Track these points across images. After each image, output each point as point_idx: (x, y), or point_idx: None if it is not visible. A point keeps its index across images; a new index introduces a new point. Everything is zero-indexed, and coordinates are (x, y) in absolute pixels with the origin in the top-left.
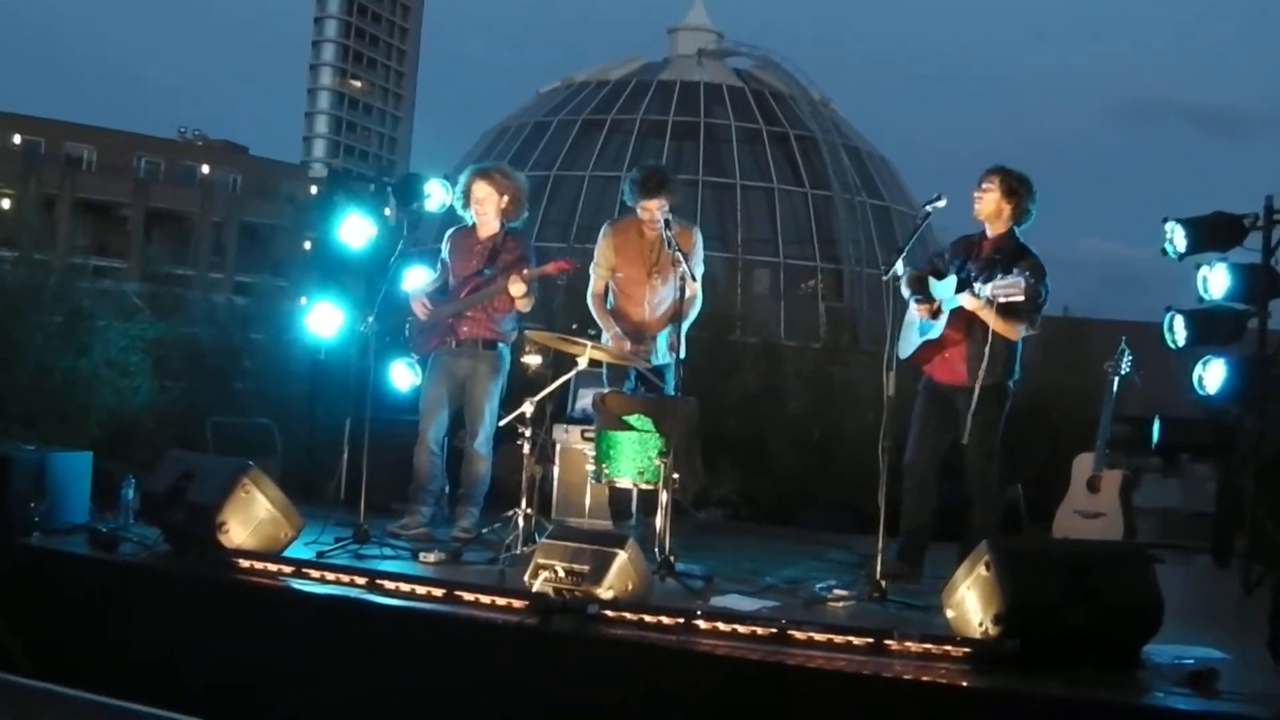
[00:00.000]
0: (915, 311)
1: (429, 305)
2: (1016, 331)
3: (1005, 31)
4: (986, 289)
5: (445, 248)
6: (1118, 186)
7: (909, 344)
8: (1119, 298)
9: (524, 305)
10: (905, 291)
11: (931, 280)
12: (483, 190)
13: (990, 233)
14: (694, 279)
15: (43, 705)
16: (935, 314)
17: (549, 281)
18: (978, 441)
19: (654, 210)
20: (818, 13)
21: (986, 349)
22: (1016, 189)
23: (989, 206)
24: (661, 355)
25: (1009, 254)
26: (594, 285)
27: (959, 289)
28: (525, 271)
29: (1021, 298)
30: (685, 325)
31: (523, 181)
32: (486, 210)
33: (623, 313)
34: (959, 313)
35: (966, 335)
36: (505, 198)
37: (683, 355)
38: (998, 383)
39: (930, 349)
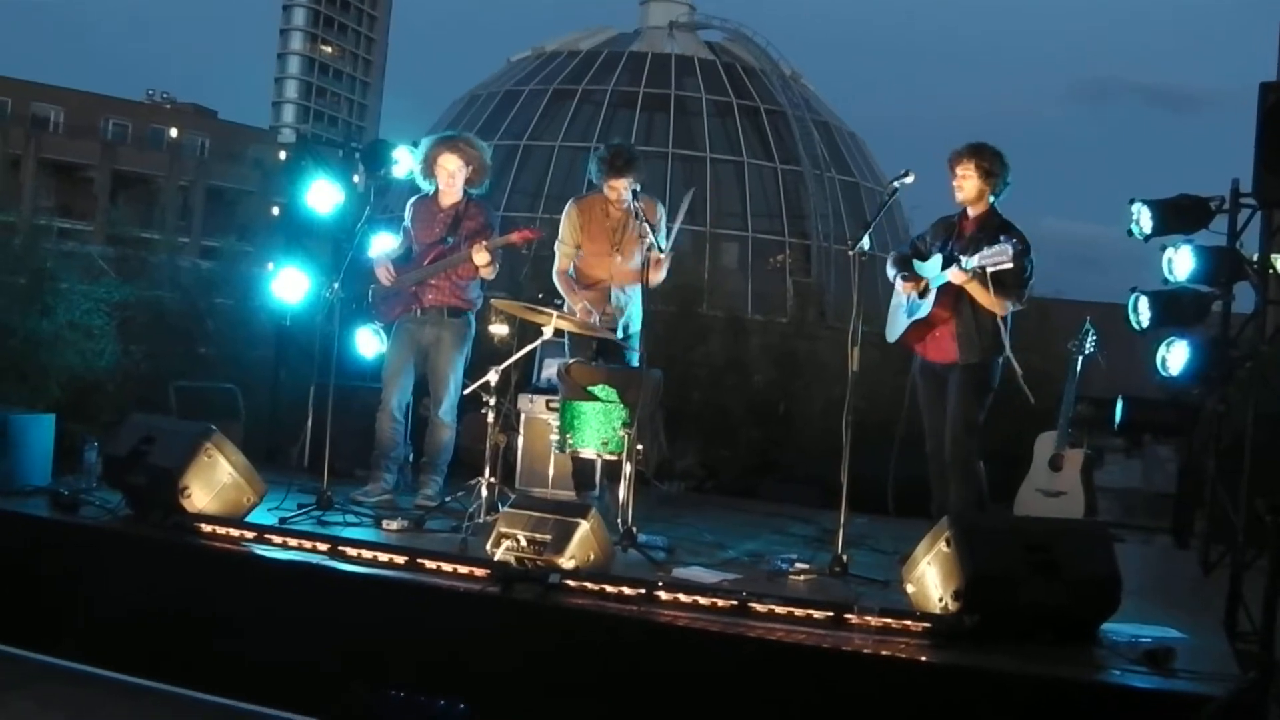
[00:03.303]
0: (901, 290)
1: (393, 271)
2: (1004, 306)
3: (966, 6)
4: (974, 260)
5: (408, 214)
6: (1079, 165)
7: (897, 326)
8: (1082, 277)
9: (488, 273)
10: (891, 271)
11: (916, 262)
12: (453, 163)
13: (972, 212)
14: (660, 250)
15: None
16: (923, 293)
17: (514, 251)
18: (961, 417)
19: (620, 189)
20: None
21: (975, 325)
22: (992, 168)
23: (971, 192)
24: (620, 331)
25: (993, 230)
26: (559, 263)
27: (944, 265)
28: (488, 241)
29: (1010, 265)
30: (654, 282)
31: (486, 150)
32: (454, 180)
33: (585, 284)
34: (946, 290)
35: (954, 313)
36: (471, 167)
37: (642, 322)
38: (985, 361)
39: (919, 329)
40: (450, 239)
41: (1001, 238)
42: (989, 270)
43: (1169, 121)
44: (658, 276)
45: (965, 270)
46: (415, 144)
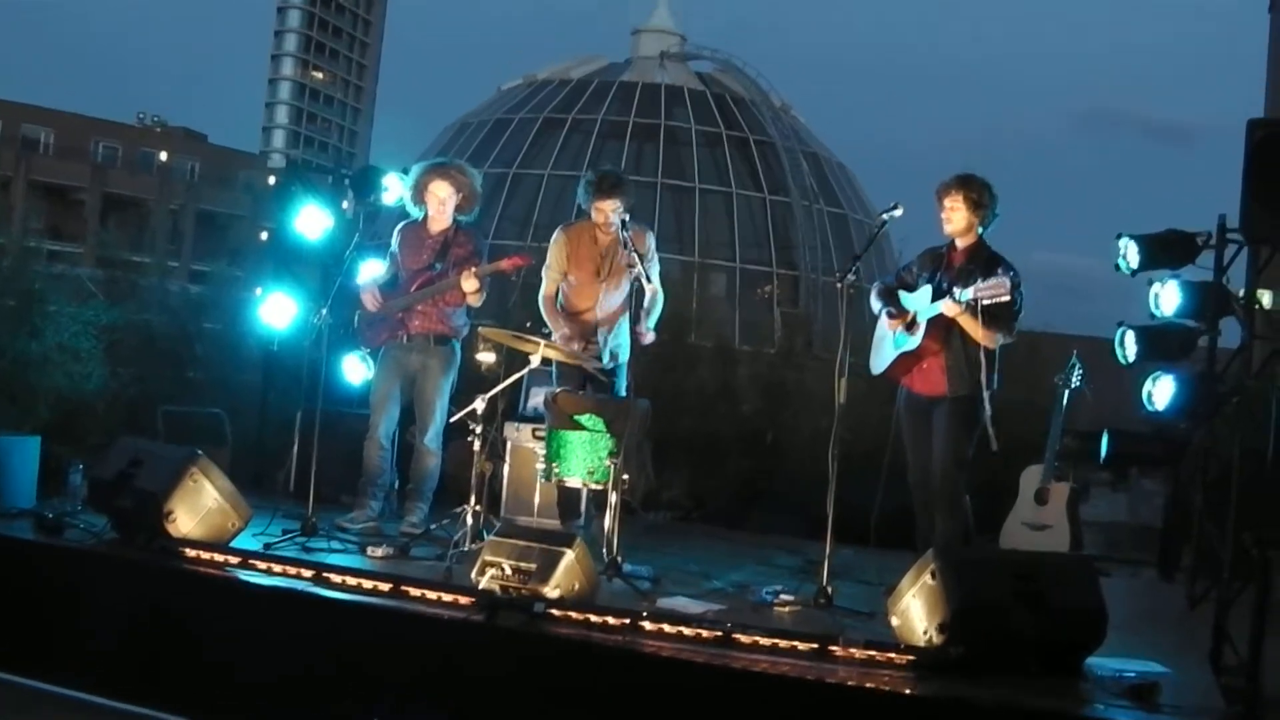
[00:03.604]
0: (887, 325)
1: (379, 297)
2: (995, 340)
3: (961, 38)
4: (969, 292)
5: (395, 241)
6: (1071, 198)
7: (883, 358)
8: (1070, 309)
9: (475, 300)
10: (876, 304)
11: (902, 293)
12: (444, 190)
13: (960, 244)
14: (649, 280)
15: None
16: (910, 326)
17: (503, 279)
18: (950, 451)
19: (607, 211)
20: (780, 18)
21: (965, 358)
22: (980, 199)
23: (960, 224)
24: (606, 359)
25: (982, 261)
26: (545, 288)
27: (935, 297)
28: (477, 268)
29: (1007, 298)
30: (651, 321)
31: (477, 177)
32: (445, 207)
33: (571, 312)
34: (936, 322)
35: (944, 345)
36: (461, 194)
37: (648, 341)
38: (974, 394)
39: (907, 361)
40: (438, 265)
41: (999, 270)
42: (983, 303)
43: (1161, 154)
44: (655, 309)
45: (959, 303)
46: (405, 170)
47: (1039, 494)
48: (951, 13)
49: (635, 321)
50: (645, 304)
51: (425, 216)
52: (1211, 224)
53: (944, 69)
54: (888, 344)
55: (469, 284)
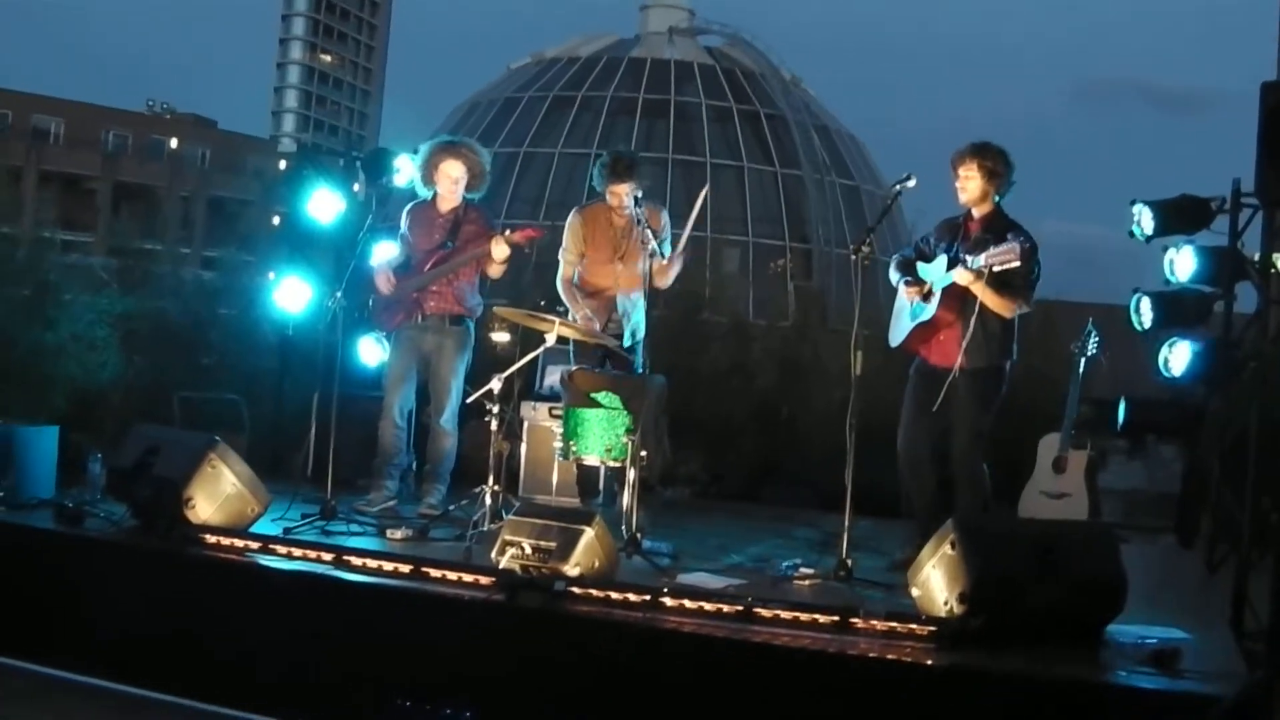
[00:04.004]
0: (905, 295)
1: (393, 279)
2: (1011, 309)
3: (966, 10)
4: (980, 259)
5: (405, 222)
6: (1080, 167)
7: (900, 330)
8: (1083, 279)
9: (496, 272)
10: (894, 275)
11: (920, 264)
12: (458, 169)
13: (976, 213)
14: (663, 258)
15: (8, 680)
16: (926, 296)
17: (519, 252)
18: (969, 424)
19: (622, 195)
20: None
21: (982, 329)
22: (996, 167)
23: (975, 193)
24: (626, 338)
25: (999, 230)
26: (563, 271)
27: (950, 267)
28: (507, 233)
29: (1018, 263)
30: (665, 282)
31: (486, 155)
32: (456, 186)
33: (589, 292)
34: (951, 292)
35: (960, 316)
36: (472, 173)
37: (644, 331)
38: (993, 365)
39: (923, 331)
40: (450, 244)
41: (1009, 235)
42: (995, 269)
43: (1171, 122)
44: (665, 279)
45: (971, 270)
46: (416, 152)
47: (1057, 462)
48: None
49: (651, 304)
50: (658, 280)
51: (434, 196)
52: (1223, 190)
53: (946, 45)
54: (905, 315)
55: (499, 250)
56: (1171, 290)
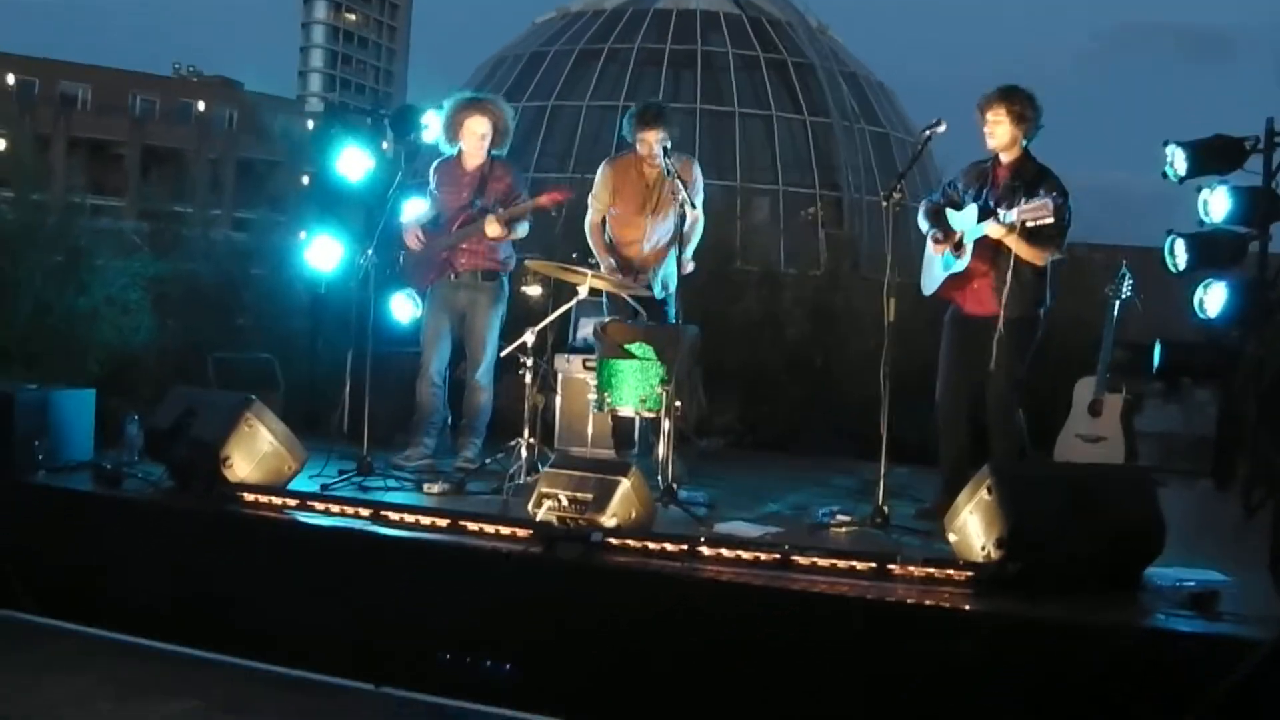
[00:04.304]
0: (933, 248)
1: (422, 237)
2: (1043, 257)
3: None
4: (1013, 214)
5: (432, 179)
6: (1110, 112)
7: (932, 279)
8: (1114, 222)
9: (520, 231)
10: (924, 224)
11: (949, 212)
12: (484, 125)
13: (1005, 158)
14: (694, 207)
15: (51, 641)
16: (958, 246)
17: (544, 213)
18: (1005, 372)
19: (651, 142)
20: None
21: (1015, 278)
22: (1024, 112)
23: (1004, 138)
24: (658, 290)
25: (1029, 178)
26: (591, 217)
27: (981, 217)
28: (512, 207)
29: (1051, 219)
30: (690, 249)
31: (510, 111)
32: (482, 142)
33: (620, 245)
34: (983, 242)
35: (993, 265)
36: (497, 130)
37: (688, 271)
38: (1027, 314)
39: (957, 281)
40: (478, 202)
41: (1041, 191)
42: (1028, 225)
43: (1201, 68)
44: (694, 235)
45: (1003, 224)
46: (442, 108)
47: (1093, 406)
48: None
49: (681, 251)
50: (686, 228)
51: (460, 153)
52: (1256, 130)
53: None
54: (937, 265)
55: (492, 229)
56: (1205, 231)
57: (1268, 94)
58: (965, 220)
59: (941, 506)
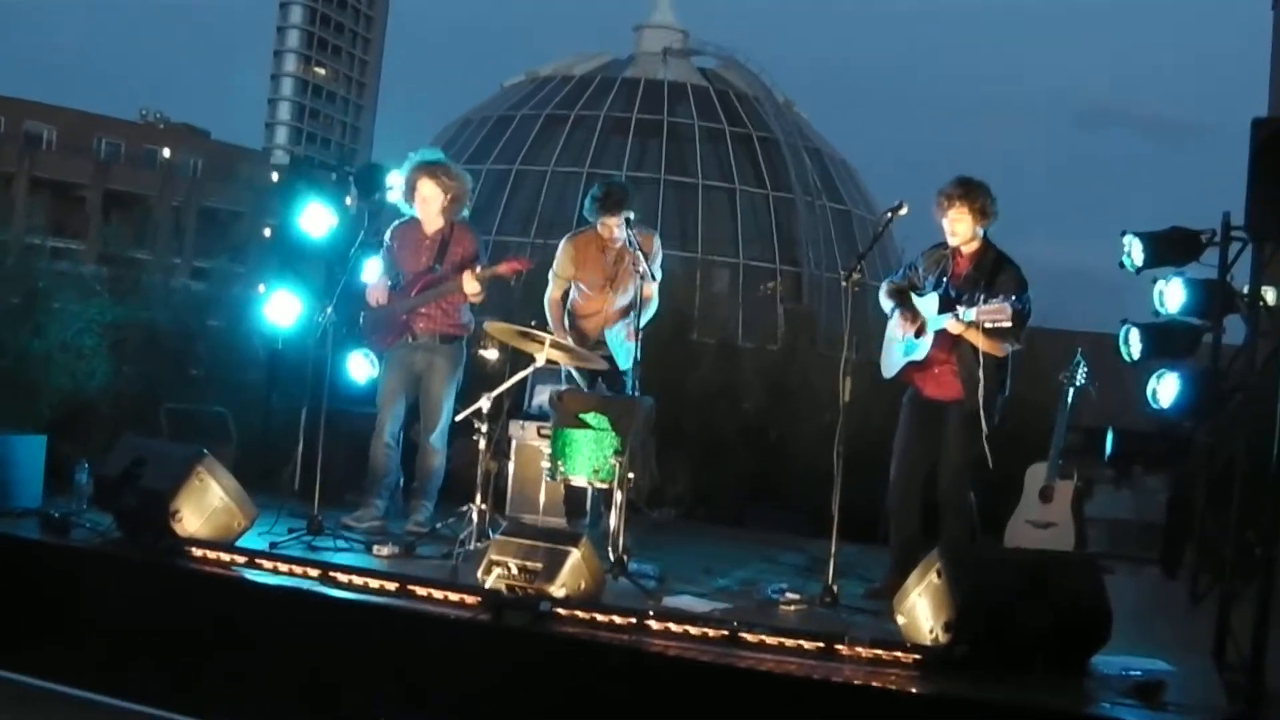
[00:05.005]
0: (898, 327)
1: (384, 297)
2: (1003, 349)
3: (953, 42)
4: (971, 313)
5: (389, 237)
6: (1070, 193)
7: (892, 363)
8: (1070, 304)
9: (476, 299)
10: (886, 304)
11: (913, 295)
12: (429, 189)
13: (965, 250)
14: (653, 278)
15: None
16: (919, 332)
17: (513, 285)
18: (960, 455)
19: (613, 226)
20: (782, 21)
21: (977, 366)
22: (985, 208)
23: (965, 234)
24: (622, 360)
25: (988, 269)
26: (551, 291)
27: (942, 308)
28: (479, 269)
29: (1009, 324)
30: (642, 320)
31: (467, 179)
32: (431, 208)
33: (579, 317)
34: (944, 333)
35: (952, 354)
36: (448, 196)
37: (638, 354)
38: (987, 401)
39: (917, 366)
40: (437, 267)
41: (1000, 287)
42: (986, 326)
43: (1161, 152)
44: (647, 311)
45: (962, 321)
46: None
47: (1044, 492)
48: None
49: (635, 326)
50: (643, 305)
51: (418, 217)
52: (1210, 220)
53: (939, 78)
54: (897, 349)
55: (470, 286)
56: (1160, 322)
57: (1224, 183)
58: (927, 307)
59: (891, 586)
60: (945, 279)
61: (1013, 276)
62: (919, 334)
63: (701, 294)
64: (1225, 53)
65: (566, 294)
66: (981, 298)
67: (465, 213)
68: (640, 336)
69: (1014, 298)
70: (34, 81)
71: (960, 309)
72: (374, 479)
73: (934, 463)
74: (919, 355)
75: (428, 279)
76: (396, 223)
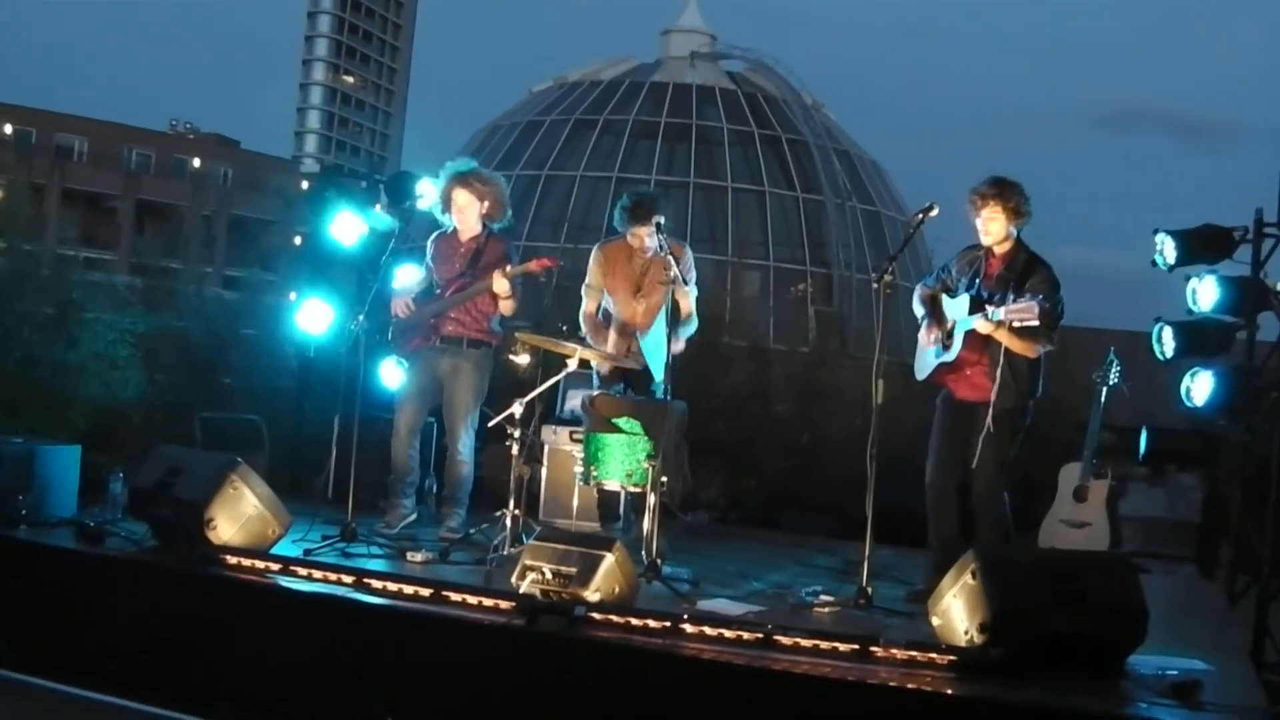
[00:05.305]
0: (928, 332)
1: (411, 305)
2: (1035, 350)
3: (979, 48)
4: (1000, 312)
5: (429, 251)
6: (1101, 196)
7: (924, 365)
8: (1101, 304)
9: (507, 308)
10: (918, 310)
11: (945, 298)
12: (463, 198)
13: (997, 250)
14: (685, 284)
15: (29, 698)
16: (949, 335)
17: (534, 280)
18: (993, 458)
19: (643, 236)
20: (807, 32)
21: (1008, 367)
22: (1019, 207)
23: (998, 234)
24: (656, 373)
25: (1020, 269)
26: (585, 305)
27: (972, 309)
28: (508, 267)
29: (1036, 322)
30: (677, 346)
31: (502, 184)
32: (468, 217)
33: (614, 321)
34: (974, 333)
35: (984, 355)
36: (486, 203)
37: (678, 350)
38: (1018, 403)
39: (949, 368)
40: (468, 274)
41: (1028, 290)
42: (1014, 325)
43: (1190, 152)
44: (686, 329)
45: (991, 321)
46: (437, 175)
47: (1078, 491)
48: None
49: (670, 334)
50: (681, 319)
51: (455, 227)
52: (1241, 218)
53: (965, 85)
54: (929, 352)
55: (500, 285)
56: (1193, 320)
57: (1257, 183)
58: (958, 309)
59: (933, 588)
60: (978, 279)
61: (1045, 277)
62: (948, 338)
63: (732, 297)
64: (1250, 50)
65: (600, 307)
66: (1011, 297)
67: (508, 216)
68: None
69: (1041, 296)
70: (64, 94)
71: (989, 308)
72: (397, 478)
73: (969, 464)
74: (949, 357)
75: (460, 284)
76: (436, 234)
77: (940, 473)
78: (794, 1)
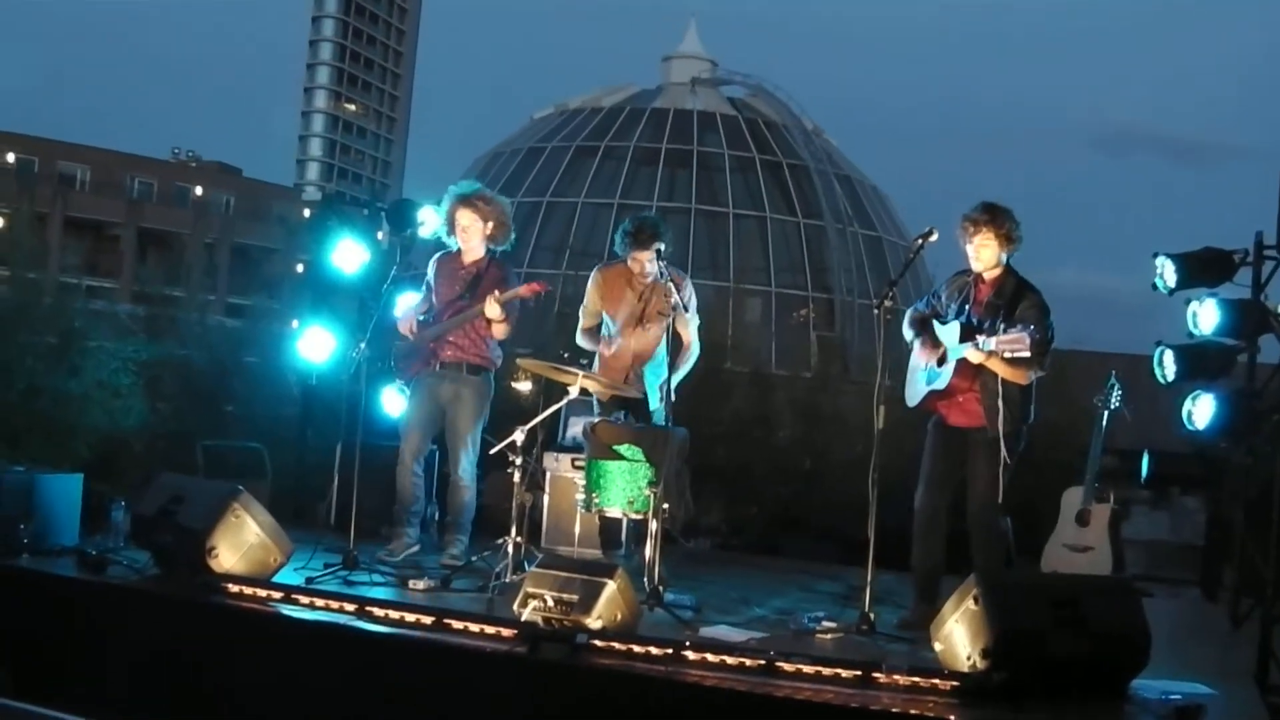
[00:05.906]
0: (919, 356)
1: (415, 325)
2: (1026, 377)
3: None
4: (991, 342)
5: (430, 270)
6: (1101, 218)
7: (915, 391)
8: (1100, 327)
9: (500, 332)
10: (908, 333)
11: (935, 324)
12: (467, 218)
13: (987, 276)
14: (686, 311)
15: None
16: (941, 360)
17: (525, 306)
18: (987, 484)
19: (644, 261)
20: (806, 53)
21: (1000, 395)
22: (1010, 233)
23: (989, 260)
24: (653, 400)
25: (1009, 296)
26: (582, 324)
27: (963, 336)
28: (498, 293)
29: (1028, 353)
30: (679, 375)
31: (506, 205)
32: (471, 238)
33: (610, 356)
34: (965, 362)
35: (975, 382)
36: (490, 224)
37: (672, 398)
38: (1011, 430)
39: (940, 395)
40: (466, 297)
41: (1020, 314)
42: (1005, 356)
43: (1186, 173)
44: (686, 364)
45: (982, 350)
46: (439, 203)
47: (1080, 515)
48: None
49: (670, 366)
50: (681, 354)
51: (459, 249)
52: (1240, 241)
53: (962, 107)
54: (920, 377)
55: (491, 310)
56: (1194, 343)
57: (1255, 204)
58: (949, 336)
59: (919, 614)
60: (967, 306)
61: (1034, 303)
62: (940, 363)
63: (734, 323)
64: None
65: (597, 328)
66: (1002, 326)
67: (511, 238)
68: (673, 393)
69: (1032, 327)
70: (66, 122)
71: (980, 338)
72: (403, 507)
73: (960, 490)
74: (940, 384)
75: (458, 307)
76: (438, 254)
77: (930, 497)
78: (794, 24)
